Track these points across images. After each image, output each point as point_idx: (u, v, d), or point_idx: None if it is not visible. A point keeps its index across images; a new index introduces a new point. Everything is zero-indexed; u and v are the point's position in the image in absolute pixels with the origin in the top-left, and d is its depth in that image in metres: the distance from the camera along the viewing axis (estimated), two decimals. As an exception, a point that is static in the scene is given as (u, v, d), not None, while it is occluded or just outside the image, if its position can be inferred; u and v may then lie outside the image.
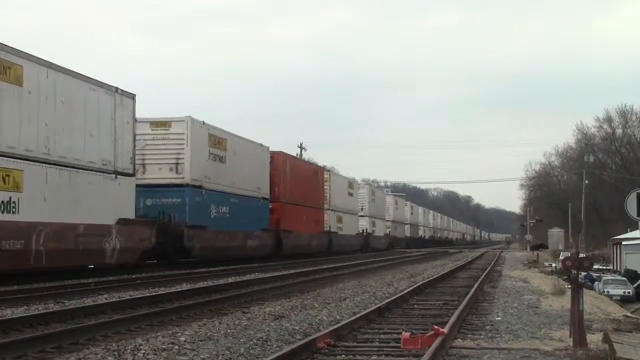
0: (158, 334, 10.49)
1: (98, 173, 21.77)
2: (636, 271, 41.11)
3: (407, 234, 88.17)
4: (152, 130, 28.01)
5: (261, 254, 34.75)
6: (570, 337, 9.85)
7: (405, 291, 17.68)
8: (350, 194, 56.73)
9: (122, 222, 22.67)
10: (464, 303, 14.44)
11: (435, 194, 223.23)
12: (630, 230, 46.74)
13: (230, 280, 21.05)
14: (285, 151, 41.27)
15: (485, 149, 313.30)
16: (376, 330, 11.31)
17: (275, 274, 24.38)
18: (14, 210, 18.02)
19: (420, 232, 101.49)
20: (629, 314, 16.67)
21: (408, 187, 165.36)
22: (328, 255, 44.94)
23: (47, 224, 19.13)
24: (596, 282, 37.80)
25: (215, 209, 30.19)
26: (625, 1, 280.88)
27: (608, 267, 52.23)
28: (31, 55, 19.02)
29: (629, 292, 35.91)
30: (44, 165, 19.38)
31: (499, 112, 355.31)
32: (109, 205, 22.07)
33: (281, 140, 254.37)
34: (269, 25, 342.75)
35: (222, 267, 27.41)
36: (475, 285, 19.79)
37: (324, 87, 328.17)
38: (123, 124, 23.04)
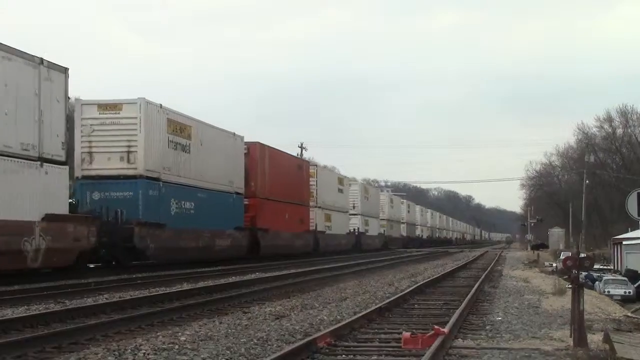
0: (158, 333, 10.49)
1: (15, 159, 18.19)
2: (637, 271, 40.96)
3: (404, 233, 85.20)
4: (100, 113, 24.55)
5: (234, 255, 31.31)
6: (571, 337, 9.85)
7: (406, 291, 17.70)
8: (341, 191, 53.23)
9: (49, 218, 19.13)
10: (464, 303, 14.46)
11: (436, 193, 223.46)
12: (631, 230, 46.70)
13: (231, 280, 21.08)
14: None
15: (485, 149, 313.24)
16: (377, 330, 11.30)
17: (276, 273, 24.40)
18: None
19: (418, 232, 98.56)
20: (629, 314, 16.65)
21: (408, 187, 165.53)
22: (314, 256, 41.50)
23: None
24: (597, 282, 37.71)
25: (176, 205, 26.76)
26: (625, 1, 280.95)
27: (609, 267, 52.11)
28: None
29: (629, 292, 35.79)
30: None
31: (500, 112, 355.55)
32: (31, 198, 18.56)
33: (281, 140, 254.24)
34: (269, 25, 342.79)
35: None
36: (476, 285, 19.80)
37: (324, 87, 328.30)
38: (51, 102, 19.38)
